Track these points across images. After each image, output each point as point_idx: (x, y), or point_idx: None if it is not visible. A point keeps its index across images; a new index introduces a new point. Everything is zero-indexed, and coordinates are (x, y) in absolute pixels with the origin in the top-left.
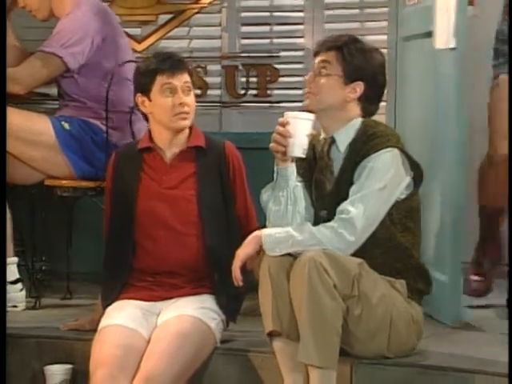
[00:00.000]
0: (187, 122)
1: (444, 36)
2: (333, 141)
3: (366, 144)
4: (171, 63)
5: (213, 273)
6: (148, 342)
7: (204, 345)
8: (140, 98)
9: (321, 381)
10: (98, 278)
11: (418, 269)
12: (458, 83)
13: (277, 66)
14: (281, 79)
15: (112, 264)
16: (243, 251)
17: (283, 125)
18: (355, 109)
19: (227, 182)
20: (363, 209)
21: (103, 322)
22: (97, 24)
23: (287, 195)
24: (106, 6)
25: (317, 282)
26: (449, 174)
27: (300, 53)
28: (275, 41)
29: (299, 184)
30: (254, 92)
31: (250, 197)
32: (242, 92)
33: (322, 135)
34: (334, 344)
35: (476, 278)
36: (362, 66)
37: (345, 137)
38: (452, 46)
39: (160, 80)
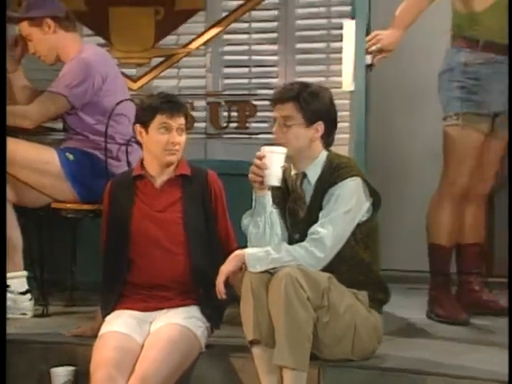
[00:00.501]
0: (175, 158)
1: (347, 81)
2: (304, 175)
3: (332, 174)
4: (172, 105)
5: (198, 286)
6: (142, 346)
7: (190, 350)
8: (138, 129)
9: (293, 381)
10: (98, 288)
11: (378, 282)
12: (358, 121)
13: (254, 103)
14: (258, 114)
15: (109, 279)
16: (226, 268)
17: (260, 158)
18: (319, 145)
19: (210, 207)
20: (331, 229)
21: (103, 329)
22: (97, 67)
23: (265, 220)
24: (105, 51)
25: (292, 295)
26: None
27: (274, 91)
28: (253, 80)
29: (274, 210)
30: (235, 125)
31: (229, 219)
32: (225, 125)
33: (294, 171)
34: (306, 349)
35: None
36: (318, 108)
37: (314, 171)
38: (351, 89)
39: (159, 118)
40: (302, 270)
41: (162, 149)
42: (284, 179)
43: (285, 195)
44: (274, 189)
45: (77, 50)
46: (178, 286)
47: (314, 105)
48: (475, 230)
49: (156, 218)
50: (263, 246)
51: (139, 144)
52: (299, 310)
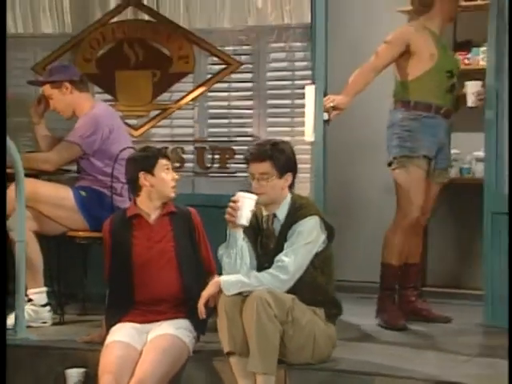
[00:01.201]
0: (173, 194)
1: (308, 132)
2: (274, 215)
3: (295, 213)
4: (167, 154)
5: (188, 301)
6: (140, 353)
7: (181, 355)
8: (143, 175)
9: (264, 383)
10: (105, 298)
11: (333, 300)
12: (317, 166)
13: (233, 147)
14: (236, 156)
15: (114, 299)
16: (206, 292)
17: (234, 201)
18: (286, 190)
19: (194, 238)
20: (294, 258)
21: (108, 339)
22: (105, 121)
23: (236, 252)
24: (111, 107)
25: (262, 313)
26: None
27: (249, 138)
28: (232, 129)
29: (245, 244)
30: (217, 165)
31: (209, 246)
32: (209, 165)
33: (265, 212)
34: (274, 356)
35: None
36: (286, 162)
37: (282, 212)
38: (312, 139)
39: (161, 161)
40: (271, 292)
41: (169, 186)
42: (256, 219)
43: (256, 231)
44: (247, 226)
45: (89, 107)
46: (171, 302)
47: (283, 160)
48: (416, 252)
49: (153, 247)
50: (235, 273)
51: (134, 191)
52: (268, 325)
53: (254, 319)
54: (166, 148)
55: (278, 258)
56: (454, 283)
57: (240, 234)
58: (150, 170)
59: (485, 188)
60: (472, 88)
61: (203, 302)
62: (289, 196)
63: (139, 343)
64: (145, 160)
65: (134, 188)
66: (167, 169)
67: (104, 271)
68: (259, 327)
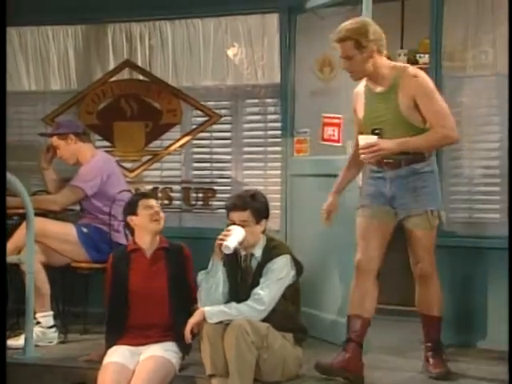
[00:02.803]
0: (160, 226)
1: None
2: (252, 255)
3: (270, 252)
4: (146, 193)
5: (175, 326)
6: (133, 372)
7: (168, 374)
8: (130, 218)
9: None
10: (103, 320)
11: (300, 326)
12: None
13: (215, 188)
14: (217, 195)
15: (112, 324)
16: (192, 320)
17: (228, 230)
18: (260, 233)
19: (184, 269)
20: (268, 291)
21: (105, 360)
22: (105, 168)
23: (214, 281)
24: (109, 155)
25: (241, 340)
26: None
27: (228, 180)
28: (214, 172)
29: (223, 275)
30: (201, 203)
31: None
32: (194, 203)
33: (243, 252)
34: (250, 377)
35: None
36: (263, 211)
37: (258, 252)
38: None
39: (142, 202)
40: (249, 321)
41: (150, 220)
42: (236, 257)
43: (235, 268)
44: (229, 264)
45: (90, 155)
46: (161, 327)
47: (260, 208)
48: (426, 303)
49: (148, 279)
50: (209, 298)
51: (131, 231)
52: (246, 350)
53: (234, 345)
54: (156, 188)
55: (254, 291)
56: (408, 302)
57: (221, 265)
58: (133, 213)
59: None
60: (362, 141)
61: (189, 329)
62: (264, 238)
63: (132, 363)
64: (129, 205)
65: (129, 230)
66: (148, 206)
67: (105, 298)
68: (238, 352)
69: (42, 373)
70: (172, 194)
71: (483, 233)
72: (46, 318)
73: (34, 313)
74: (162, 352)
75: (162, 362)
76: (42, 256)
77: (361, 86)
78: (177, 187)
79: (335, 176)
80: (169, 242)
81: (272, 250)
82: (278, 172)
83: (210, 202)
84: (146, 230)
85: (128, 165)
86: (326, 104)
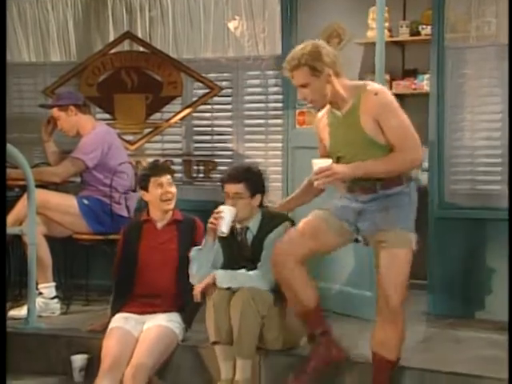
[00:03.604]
0: (171, 206)
1: None
2: (247, 228)
3: (268, 224)
4: (159, 169)
5: (181, 297)
6: (137, 340)
7: (170, 343)
8: (142, 192)
9: (243, 366)
10: (105, 291)
11: None
12: None
13: (215, 160)
14: (218, 168)
15: (119, 292)
16: (204, 281)
17: (217, 213)
18: (257, 207)
19: (194, 241)
20: None
21: (110, 325)
22: (105, 139)
23: (207, 257)
24: (110, 127)
25: (247, 309)
26: None
27: (229, 152)
28: (214, 145)
29: (215, 252)
30: (202, 175)
31: None
32: (195, 175)
33: (239, 225)
34: (253, 344)
35: None
36: (257, 184)
37: (254, 225)
38: None
39: (153, 179)
40: (255, 290)
41: (160, 199)
42: (232, 231)
43: (231, 242)
44: (225, 238)
45: (91, 127)
46: (166, 297)
47: (255, 182)
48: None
49: (158, 248)
50: (201, 274)
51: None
52: (251, 318)
53: (240, 313)
54: (171, 160)
55: (261, 263)
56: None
57: (213, 244)
58: (145, 188)
59: (429, 196)
60: (315, 166)
61: (199, 290)
62: (259, 212)
63: (136, 331)
64: (141, 180)
65: (144, 201)
66: (159, 185)
67: (113, 270)
68: (243, 320)
69: (44, 342)
70: (173, 167)
71: (485, 204)
72: (48, 288)
73: (37, 284)
74: (166, 322)
75: (165, 331)
76: (44, 227)
77: (323, 112)
78: (178, 160)
79: None
80: (182, 215)
81: (271, 221)
82: (280, 144)
83: (211, 175)
84: (155, 208)
85: (129, 137)
86: None
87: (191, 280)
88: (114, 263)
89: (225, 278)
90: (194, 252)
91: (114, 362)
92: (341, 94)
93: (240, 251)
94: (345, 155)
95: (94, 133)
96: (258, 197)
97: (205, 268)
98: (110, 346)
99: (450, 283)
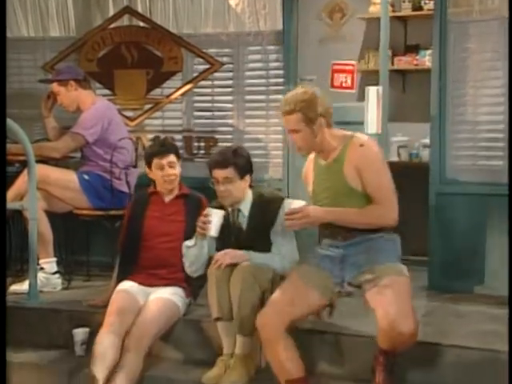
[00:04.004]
0: (171, 186)
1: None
2: (238, 210)
3: (265, 206)
4: (161, 149)
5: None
6: (140, 308)
7: (173, 316)
8: (147, 169)
9: (243, 343)
10: (106, 266)
11: None
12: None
13: (216, 136)
14: (218, 144)
15: (124, 261)
16: (236, 254)
17: (205, 215)
18: (247, 188)
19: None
20: (290, 246)
21: (117, 289)
22: (105, 115)
23: (197, 253)
24: (110, 102)
25: (247, 283)
26: None
27: (230, 128)
28: (215, 121)
29: (207, 250)
30: (202, 151)
31: None
32: (195, 152)
33: (230, 208)
34: (254, 321)
35: None
36: (245, 166)
37: (245, 207)
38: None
39: (155, 160)
40: (254, 266)
41: (160, 181)
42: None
43: (224, 226)
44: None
45: (91, 102)
46: (171, 270)
47: (242, 164)
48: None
49: (164, 220)
50: (192, 269)
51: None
52: (251, 294)
53: (240, 288)
54: (157, 137)
55: (274, 251)
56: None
57: (205, 242)
58: (149, 167)
59: (430, 172)
60: (287, 207)
61: (230, 258)
62: (250, 193)
63: (141, 299)
64: (145, 158)
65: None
66: (160, 167)
67: (119, 238)
68: (244, 295)
69: (46, 316)
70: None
71: (486, 179)
72: (49, 264)
73: (38, 259)
74: (169, 295)
75: (168, 304)
76: (44, 203)
77: (311, 156)
78: (178, 136)
79: (344, 123)
80: (190, 190)
81: (266, 204)
82: (281, 120)
83: (212, 151)
84: (159, 185)
85: (129, 113)
86: (335, 51)
87: (186, 270)
88: (119, 234)
89: (255, 259)
90: (184, 248)
91: (117, 320)
92: (330, 143)
93: (233, 234)
94: (326, 203)
95: (94, 108)
96: (247, 177)
97: (196, 264)
98: (115, 305)
99: (450, 258)
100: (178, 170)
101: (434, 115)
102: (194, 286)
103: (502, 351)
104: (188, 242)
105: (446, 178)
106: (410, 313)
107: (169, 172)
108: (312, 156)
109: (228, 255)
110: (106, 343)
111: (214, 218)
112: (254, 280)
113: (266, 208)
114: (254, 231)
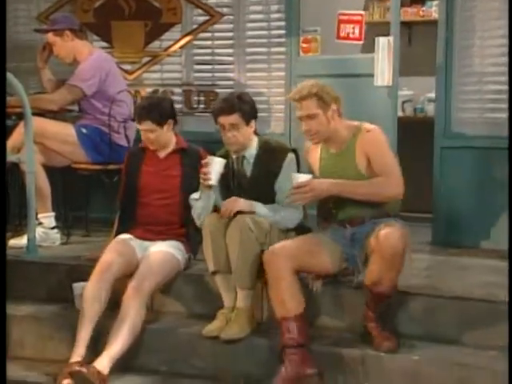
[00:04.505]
0: (154, 147)
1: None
2: (243, 157)
3: (270, 154)
4: (140, 115)
5: (184, 226)
6: (138, 260)
7: (173, 269)
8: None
9: (244, 296)
10: (105, 222)
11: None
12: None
13: (216, 90)
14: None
15: (122, 216)
16: (243, 203)
17: (205, 164)
18: (252, 134)
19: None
20: None
21: (114, 240)
22: (103, 66)
23: (205, 204)
24: (108, 54)
25: (244, 236)
26: None
27: (230, 82)
28: (215, 74)
29: (213, 196)
30: (202, 106)
31: None
32: (195, 106)
33: (234, 155)
34: (253, 274)
35: None
36: (251, 111)
37: (250, 154)
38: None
39: (138, 125)
40: (252, 217)
41: (145, 140)
42: (228, 162)
43: (228, 175)
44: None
45: (88, 53)
46: (169, 225)
47: (247, 110)
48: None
49: (159, 175)
50: (200, 220)
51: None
52: (249, 246)
53: (238, 241)
54: (156, 91)
55: (278, 199)
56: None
57: (211, 193)
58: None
59: (435, 127)
60: (295, 180)
61: (238, 207)
62: (255, 139)
63: (139, 252)
64: (135, 117)
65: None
66: (142, 129)
67: (118, 193)
68: (241, 247)
69: (45, 270)
70: (173, 97)
71: (492, 133)
72: (47, 218)
73: (36, 214)
74: (169, 247)
75: (168, 256)
76: (42, 157)
77: (311, 145)
78: (178, 90)
79: (350, 76)
80: (188, 144)
81: (272, 152)
82: (283, 73)
83: (212, 105)
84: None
85: (127, 66)
86: (338, 2)
87: (196, 221)
88: (119, 189)
89: (262, 211)
90: (192, 201)
91: (112, 259)
92: (341, 132)
93: (238, 182)
94: None
95: (92, 59)
96: (253, 123)
97: (204, 216)
98: (112, 247)
99: (454, 214)
100: (156, 135)
101: (440, 67)
102: (193, 242)
103: (503, 302)
104: (194, 195)
105: (452, 132)
106: (402, 235)
107: (146, 136)
108: (309, 144)
109: (236, 203)
110: (93, 293)
111: (215, 166)
112: (251, 232)
113: (272, 157)
114: (258, 179)
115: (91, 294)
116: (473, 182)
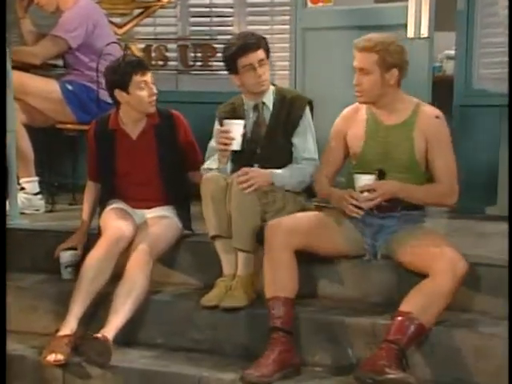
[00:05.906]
0: (154, 108)
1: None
2: (263, 103)
3: (287, 102)
4: (141, 65)
5: (173, 200)
6: (136, 226)
7: (175, 234)
8: (118, 92)
9: (244, 259)
10: None
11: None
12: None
13: (215, 46)
14: (217, 54)
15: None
16: (261, 178)
17: (226, 131)
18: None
19: (178, 140)
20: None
21: (110, 207)
22: (90, 16)
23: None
24: (95, 3)
25: (245, 197)
26: None
27: (230, 36)
28: (213, 28)
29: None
30: (200, 63)
31: (195, 143)
32: (191, 63)
33: (252, 102)
34: (254, 235)
35: None
36: (267, 46)
37: (269, 100)
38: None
39: (136, 78)
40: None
41: (146, 102)
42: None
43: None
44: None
45: (73, 1)
46: (156, 203)
47: (268, 48)
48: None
49: (136, 157)
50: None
51: (116, 104)
52: (250, 207)
53: (237, 202)
54: (149, 46)
55: (303, 154)
56: None
57: (228, 165)
58: (124, 88)
59: (455, 84)
60: (362, 183)
61: (253, 180)
62: (271, 86)
63: (135, 218)
64: (119, 78)
65: (114, 101)
66: (144, 84)
67: (88, 168)
68: (241, 208)
69: (29, 239)
70: (167, 54)
71: None
72: (30, 183)
73: (18, 178)
74: (168, 213)
75: (169, 222)
76: (23, 116)
77: (354, 111)
78: (172, 45)
79: (383, 27)
80: (159, 116)
81: (289, 101)
82: (287, 26)
83: (210, 62)
84: (135, 111)
85: (117, 19)
86: None
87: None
88: (87, 167)
89: (282, 178)
90: (204, 171)
91: (115, 237)
92: (397, 102)
93: (257, 131)
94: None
95: (78, 7)
96: (268, 64)
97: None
98: (110, 219)
99: (474, 176)
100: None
101: (460, 19)
102: (183, 218)
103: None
104: (210, 165)
105: (472, 89)
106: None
107: (154, 90)
108: (348, 113)
109: (258, 177)
110: (99, 264)
111: (237, 131)
112: (252, 194)
113: (291, 105)
114: (276, 129)
115: (97, 265)
116: (495, 143)
